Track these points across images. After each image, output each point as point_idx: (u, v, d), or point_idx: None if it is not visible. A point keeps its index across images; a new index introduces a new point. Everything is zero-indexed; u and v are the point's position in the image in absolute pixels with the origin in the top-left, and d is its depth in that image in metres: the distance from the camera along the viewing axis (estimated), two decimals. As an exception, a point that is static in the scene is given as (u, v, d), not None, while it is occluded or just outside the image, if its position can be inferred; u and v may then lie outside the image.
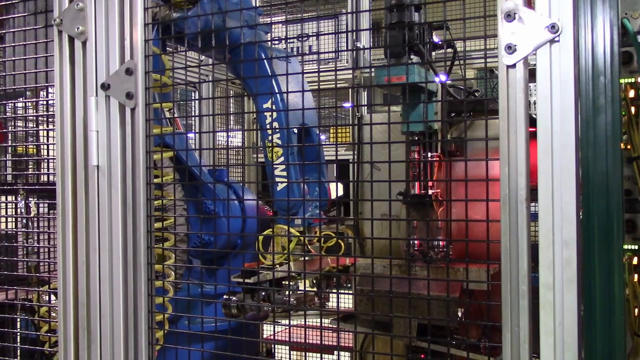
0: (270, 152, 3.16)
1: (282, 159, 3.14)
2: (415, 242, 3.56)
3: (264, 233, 3.14)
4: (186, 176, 2.97)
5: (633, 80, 1.77)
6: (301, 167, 3.13)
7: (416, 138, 3.53)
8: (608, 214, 1.43)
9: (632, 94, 1.76)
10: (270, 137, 3.16)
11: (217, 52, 2.97)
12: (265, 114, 3.16)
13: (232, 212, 3.47)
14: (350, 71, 5.50)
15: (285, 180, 3.11)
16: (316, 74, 1.84)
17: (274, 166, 3.15)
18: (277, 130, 3.14)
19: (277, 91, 3.05)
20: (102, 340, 1.99)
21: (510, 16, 1.50)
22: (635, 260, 1.73)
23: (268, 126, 3.15)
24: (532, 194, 1.50)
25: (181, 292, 3.35)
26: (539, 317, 1.46)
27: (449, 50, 3.62)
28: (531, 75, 1.51)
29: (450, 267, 3.27)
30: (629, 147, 1.74)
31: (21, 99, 2.64)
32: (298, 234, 3.02)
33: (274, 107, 3.09)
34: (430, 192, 3.58)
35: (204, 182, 3.26)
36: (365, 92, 5.52)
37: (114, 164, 1.99)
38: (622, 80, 1.75)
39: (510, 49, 1.50)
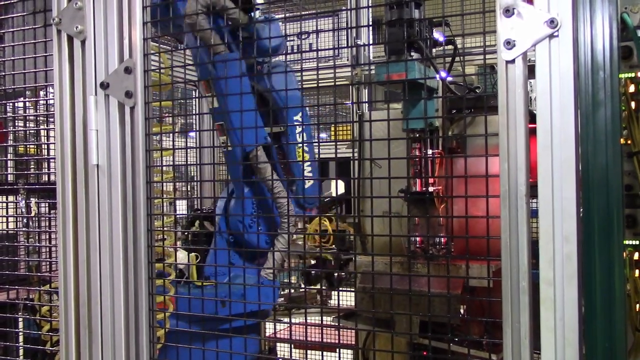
0: (299, 155, 3.67)
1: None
2: (417, 239, 3.56)
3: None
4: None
5: (633, 75, 1.76)
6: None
7: (417, 135, 3.53)
8: (608, 209, 1.42)
9: (632, 88, 1.75)
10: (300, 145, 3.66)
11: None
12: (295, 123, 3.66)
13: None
14: (350, 68, 5.49)
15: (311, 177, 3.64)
16: (316, 72, 1.84)
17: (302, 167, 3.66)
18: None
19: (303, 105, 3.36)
20: (103, 339, 1.99)
21: (509, 11, 1.50)
22: (636, 256, 1.72)
23: (298, 135, 3.68)
24: (533, 190, 1.49)
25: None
26: (540, 313, 1.46)
27: (449, 46, 3.61)
28: (532, 71, 1.50)
29: (452, 264, 3.27)
30: (629, 142, 1.73)
31: (21, 98, 2.64)
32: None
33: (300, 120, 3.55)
34: (431, 189, 3.58)
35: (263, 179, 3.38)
36: (366, 90, 5.51)
37: (113, 163, 1.99)
38: (622, 75, 1.74)
39: (509, 44, 1.49)
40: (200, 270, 3.35)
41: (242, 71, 2.82)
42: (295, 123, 3.59)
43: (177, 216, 3.92)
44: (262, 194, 3.49)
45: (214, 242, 3.47)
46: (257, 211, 3.54)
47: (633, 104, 1.74)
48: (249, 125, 2.89)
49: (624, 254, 1.67)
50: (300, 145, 3.67)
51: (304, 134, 3.72)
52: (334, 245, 3.70)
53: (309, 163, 3.71)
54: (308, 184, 3.63)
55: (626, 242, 1.71)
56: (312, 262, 3.55)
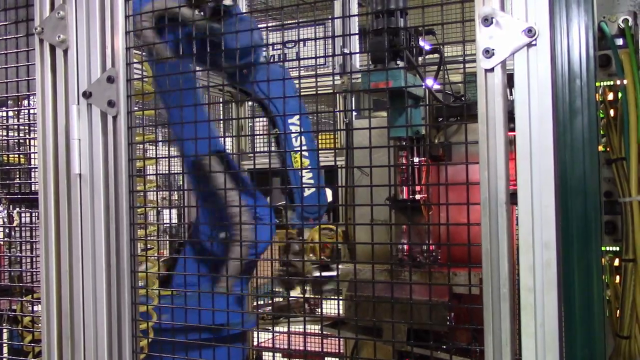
0: (296, 163, 3.62)
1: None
2: (404, 246, 3.56)
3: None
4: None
5: (612, 82, 1.78)
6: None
7: (403, 143, 3.54)
8: (586, 216, 1.44)
9: (610, 96, 1.77)
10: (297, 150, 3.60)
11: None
12: (292, 128, 3.57)
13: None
14: (339, 77, 5.50)
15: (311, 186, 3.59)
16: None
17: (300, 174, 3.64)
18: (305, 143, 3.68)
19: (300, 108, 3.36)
20: (85, 350, 1.98)
21: (487, 20, 1.51)
22: (616, 262, 1.74)
23: (296, 140, 3.65)
24: (514, 197, 1.50)
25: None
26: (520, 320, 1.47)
27: (435, 55, 3.63)
28: (511, 80, 1.52)
29: (440, 272, 3.28)
30: (608, 149, 1.75)
31: (3, 108, 2.63)
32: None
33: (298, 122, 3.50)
34: (417, 196, 3.58)
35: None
36: (353, 98, 5.53)
37: (96, 172, 1.98)
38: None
39: (488, 53, 1.51)
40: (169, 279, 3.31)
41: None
42: (292, 129, 3.55)
43: (166, 226, 3.90)
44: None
45: (184, 251, 3.44)
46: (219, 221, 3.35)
47: (612, 112, 1.76)
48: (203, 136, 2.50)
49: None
50: (298, 151, 3.63)
51: (303, 138, 3.65)
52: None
53: (309, 170, 3.67)
54: (307, 192, 3.59)
55: (606, 248, 1.73)
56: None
